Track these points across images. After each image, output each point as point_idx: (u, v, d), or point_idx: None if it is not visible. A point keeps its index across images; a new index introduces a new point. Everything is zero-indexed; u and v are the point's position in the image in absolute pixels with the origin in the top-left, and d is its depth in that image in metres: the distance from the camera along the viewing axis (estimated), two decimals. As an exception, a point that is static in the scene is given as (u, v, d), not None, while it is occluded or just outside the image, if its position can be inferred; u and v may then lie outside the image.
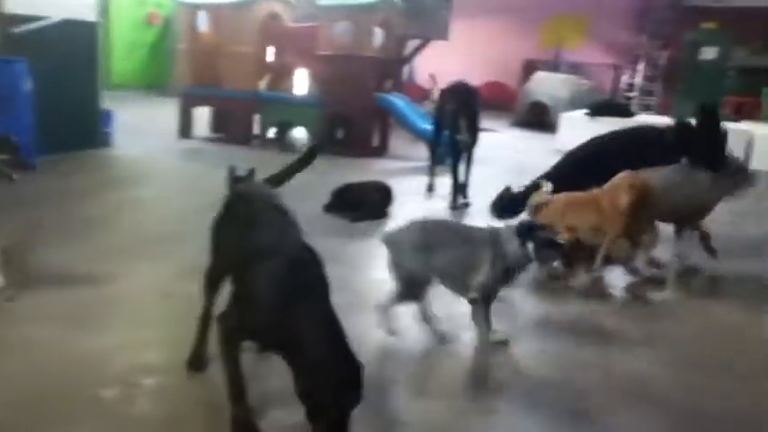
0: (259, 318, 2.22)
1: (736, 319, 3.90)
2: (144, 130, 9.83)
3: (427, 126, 8.67)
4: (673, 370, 3.12)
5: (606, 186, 4.33)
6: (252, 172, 4.01)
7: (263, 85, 9.67)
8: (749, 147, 10.01)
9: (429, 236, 3.17)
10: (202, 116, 9.88)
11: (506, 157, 9.72)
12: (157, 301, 3.52)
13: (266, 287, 2.19)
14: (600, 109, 11.18)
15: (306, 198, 6.09)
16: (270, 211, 2.54)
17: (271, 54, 10.02)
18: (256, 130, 9.56)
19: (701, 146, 4.61)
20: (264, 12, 9.35)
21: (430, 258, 3.10)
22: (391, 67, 10.16)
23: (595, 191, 4.38)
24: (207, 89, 9.48)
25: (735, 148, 9.80)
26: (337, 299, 3.57)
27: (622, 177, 4.29)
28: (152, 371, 2.78)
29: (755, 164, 9.80)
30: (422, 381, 2.89)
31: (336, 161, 7.88)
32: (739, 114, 13.36)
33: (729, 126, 11.21)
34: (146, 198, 5.94)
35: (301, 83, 10.23)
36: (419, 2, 11.59)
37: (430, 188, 6.98)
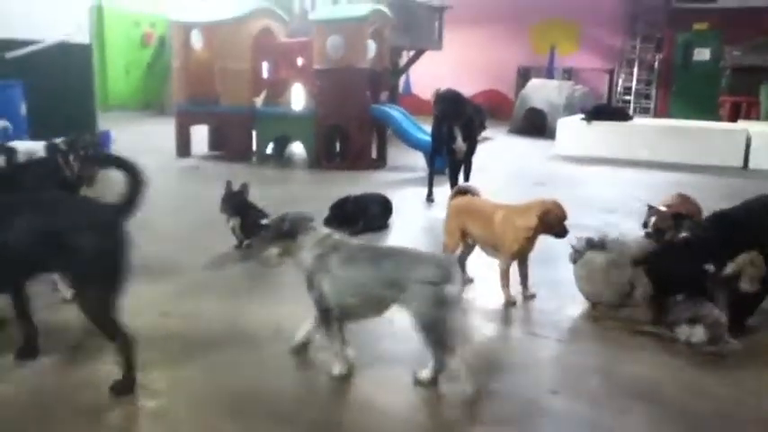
0: None
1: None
2: (142, 149, 9.80)
3: (424, 136, 8.68)
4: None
5: (516, 204, 3.94)
6: (245, 186, 4.03)
7: (259, 101, 9.69)
8: (747, 146, 9.98)
9: None
10: (201, 134, 9.89)
11: (506, 163, 9.72)
12: (156, 321, 3.49)
13: None
14: (597, 113, 11.18)
15: (307, 211, 6.09)
16: None
17: (266, 70, 10.05)
18: (255, 146, 9.55)
19: None
20: (257, 28, 9.38)
21: None
22: (386, 78, 10.17)
23: (498, 204, 4.04)
24: (203, 106, 9.50)
25: (733, 147, 9.95)
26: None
27: (537, 203, 3.82)
28: (153, 392, 2.74)
29: (753, 163, 9.81)
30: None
31: (335, 174, 7.89)
32: (736, 114, 13.37)
33: (727, 126, 11.30)
34: (142, 217, 5.90)
35: (298, 97, 10.25)
36: (411, 13, 11.64)
37: (429, 198, 6.96)
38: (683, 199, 4.69)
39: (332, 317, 2.86)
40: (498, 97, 18.31)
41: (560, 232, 3.76)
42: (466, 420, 2.63)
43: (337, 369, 2.87)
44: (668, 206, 4.40)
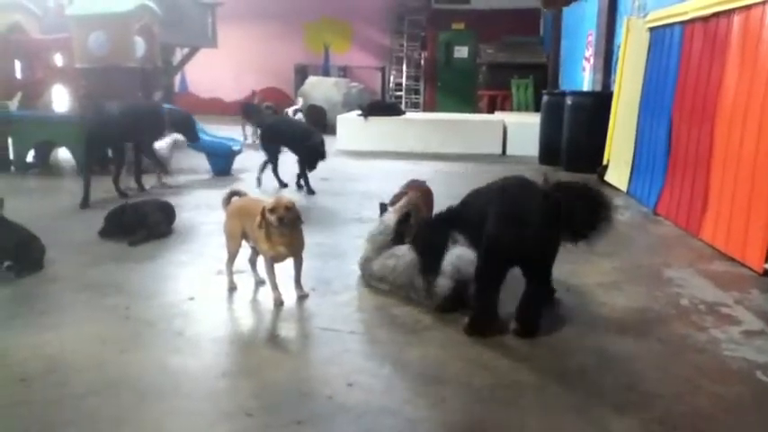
0: None
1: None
2: None
3: (205, 136, 8.44)
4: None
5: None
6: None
7: (14, 104, 8.70)
8: (504, 134, 11.07)
9: None
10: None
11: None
12: None
13: None
14: (372, 109, 11.69)
15: (77, 224, 5.62)
16: None
17: (18, 69, 9.07)
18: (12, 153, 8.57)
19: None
20: (6, 24, 8.42)
21: None
22: (159, 77, 9.70)
23: (261, 200, 3.89)
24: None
25: (493, 136, 10.99)
26: (121, 331, 3.37)
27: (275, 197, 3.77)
28: None
29: (510, 150, 10.91)
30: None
31: (107, 181, 7.33)
32: (493, 106, 14.79)
33: (486, 118, 12.40)
34: None
35: (60, 99, 9.38)
36: (181, 9, 11.21)
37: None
38: (414, 185, 4.81)
39: None
40: (278, 94, 18.35)
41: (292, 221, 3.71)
42: (260, 426, 2.60)
43: None
44: (398, 196, 4.52)
